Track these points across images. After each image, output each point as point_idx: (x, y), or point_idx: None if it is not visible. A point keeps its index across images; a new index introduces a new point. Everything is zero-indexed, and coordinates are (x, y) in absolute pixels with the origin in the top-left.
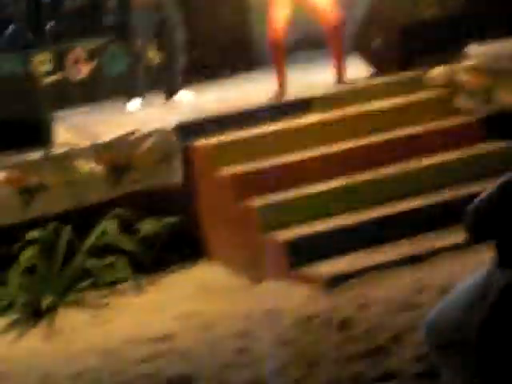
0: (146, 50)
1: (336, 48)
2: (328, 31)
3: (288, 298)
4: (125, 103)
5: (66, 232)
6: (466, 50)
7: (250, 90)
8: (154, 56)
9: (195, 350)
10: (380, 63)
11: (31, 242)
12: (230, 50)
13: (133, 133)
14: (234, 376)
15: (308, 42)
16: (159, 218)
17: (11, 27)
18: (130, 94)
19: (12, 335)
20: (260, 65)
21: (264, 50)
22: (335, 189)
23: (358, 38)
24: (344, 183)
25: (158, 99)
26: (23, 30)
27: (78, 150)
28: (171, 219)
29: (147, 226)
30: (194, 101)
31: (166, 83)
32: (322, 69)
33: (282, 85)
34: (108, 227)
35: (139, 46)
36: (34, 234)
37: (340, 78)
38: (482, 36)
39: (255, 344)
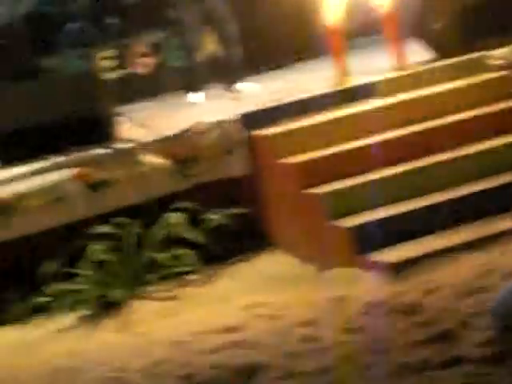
0: (198, 43)
1: (392, 33)
2: (383, 17)
3: (355, 284)
4: (188, 96)
5: (134, 225)
6: None
7: (313, 78)
8: (214, 48)
9: (263, 340)
10: (441, 47)
11: (100, 237)
12: (293, 39)
13: (197, 125)
14: (302, 364)
15: (368, 28)
16: (225, 209)
17: (75, 24)
18: (191, 87)
19: (83, 329)
20: (324, 52)
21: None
22: (400, 174)
23: (417, 23)
24: (408, 168)
25: (220, 91)
26: (87, 27)
27: (143, 145)
28: (237, 210)
29: (214, 218)
30: (257, 90)
31: (225, 74)
32: (384, 54)
33: (342, 71)
34: (175, 219)
35: (191, 39)
36: (102, 228)
37: (398, 65)
38: None
39: (323, 332)
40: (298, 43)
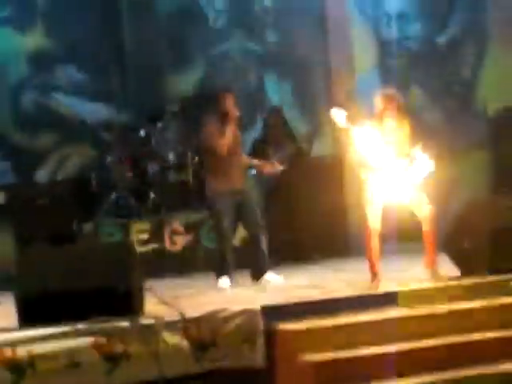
0: (231, 230)
1: (429, 241)
2: (422, 221)
3: None
4: (216, 279)
5: None
6: None
7: (341, 278)
8: (242, 237)
9: None
10: (467, 266)
11: None
12: (325, 236)
13: (220, 311)
14: None
15: (399, 235)
16: None
17: (115, 194)
18: (219, 272)
19: None
20: (355, 253)
21: (359, 239)
22: None
23: (447, 238)
24: (425, 381)
25: (247, 279)
26: (126, 198)
27: (165, 323)
28: None
29: None
30: (283, 283)
31: (253, 264)
32: (413, 263)
33: (375, 276)
34: None
35: (224, 227)
36: None
37: (433, 273)
38: None
39: None
40: (335, 240)
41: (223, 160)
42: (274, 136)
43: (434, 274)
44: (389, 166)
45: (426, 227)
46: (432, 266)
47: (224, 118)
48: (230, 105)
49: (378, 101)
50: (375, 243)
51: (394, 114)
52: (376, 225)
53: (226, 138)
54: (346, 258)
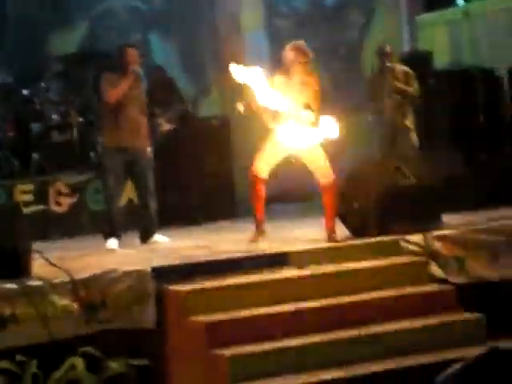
0: (119, 190)
1: (329, 206)
2: (322, 188)
3: None
4: (104, 240)
5: (33, 365)
6: (441, 219)
7: (229, 239)
8: (133, 197)
9: None
10: (357, 227)
11: None
12: (212, 197)
13: (109, 272)
14: None
15: (289, 195)
16: (127, 359)
17: None
18: (107, 233)
19: None
20: (241, 215)
21: (246, 202)
22: (306, 345)
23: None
24: (315, 340)
25: (137, 239)
26: (9, 158)
27: (53, 285)
28: (139, 361)
29: (114, 366)
30: (172, 245)
31: (141, 225)
32: (304, 223)
33: (259, 226)
34: (76, 364)
35: (111, 186)
36: (1, 364)
37: (330, 236)
38: (457, 207)
39: None
40: (222, 202)
41: (115, 115)
42: (160, 96)
43: (331, 238)
44: (294, 118)
45: (326, 196)
46: (330, 233)
47: (123, 71)
48: (131, 59)
49: (288, 53)
50: (260, 190)
51: (302, 67)
52: (263, 172)
53: (118, 89)
54: (232, 220)
